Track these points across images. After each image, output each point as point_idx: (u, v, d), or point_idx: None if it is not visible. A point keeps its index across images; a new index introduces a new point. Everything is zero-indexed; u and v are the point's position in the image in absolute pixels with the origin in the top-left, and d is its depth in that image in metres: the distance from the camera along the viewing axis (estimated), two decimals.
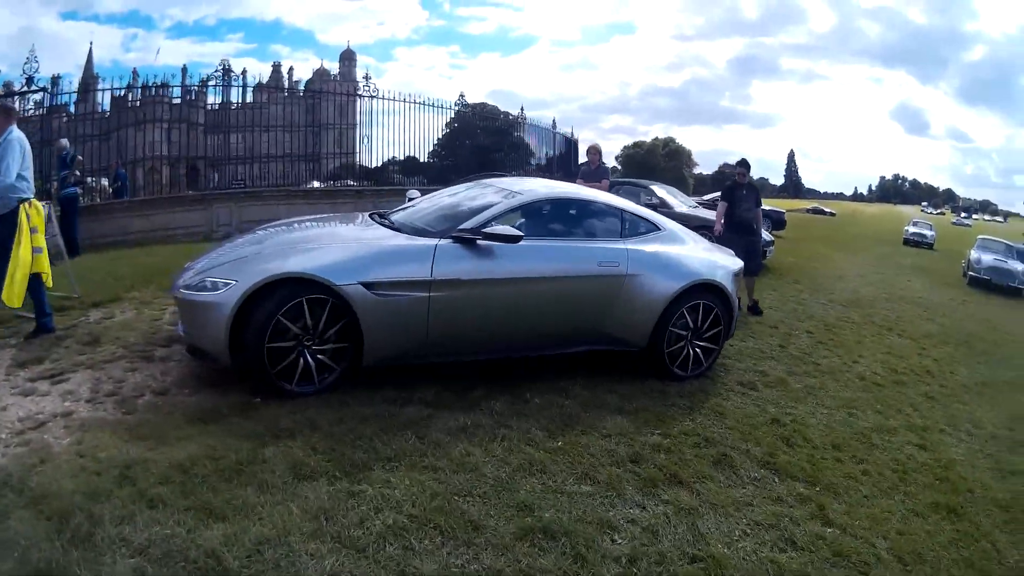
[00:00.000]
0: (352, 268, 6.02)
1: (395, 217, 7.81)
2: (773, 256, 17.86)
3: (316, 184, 27.54)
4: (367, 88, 22.30)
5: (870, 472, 6.13)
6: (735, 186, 12.72)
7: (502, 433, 5.69)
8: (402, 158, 24.44)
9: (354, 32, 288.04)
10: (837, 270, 20.48)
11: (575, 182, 12.17)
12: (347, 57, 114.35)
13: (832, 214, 68.64)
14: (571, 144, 34.27)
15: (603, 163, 13.63)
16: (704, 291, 7.57)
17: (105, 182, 21.32)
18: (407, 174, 25.95)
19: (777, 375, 8.46)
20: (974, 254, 27.33)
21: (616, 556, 4.14)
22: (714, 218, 13.60)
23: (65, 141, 16.45)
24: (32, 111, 17.55)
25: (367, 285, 5.97)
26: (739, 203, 12.46)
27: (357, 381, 6.29)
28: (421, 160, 25.81)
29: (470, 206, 7.37)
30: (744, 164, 13.20)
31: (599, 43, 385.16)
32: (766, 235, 18.19)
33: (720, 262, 8.16)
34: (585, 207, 7.82)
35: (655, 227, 8.00)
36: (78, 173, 15.60)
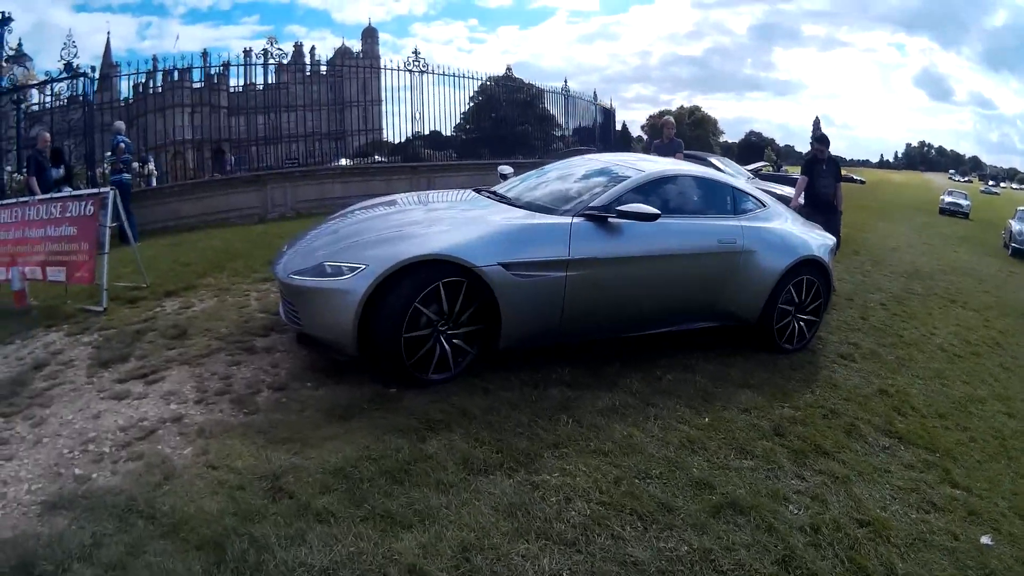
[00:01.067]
0: (491, 248, 5.83)
1: (508, 193, 7.72)
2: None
3: (344, 161, 27.58)
4: (417, 63, 22.12)
5: (976, 439, 6.47)
6: (814, 160, 12.64)
7: (652, 412, 5.77)
8: (426, 133, 23.79)
9: (370, 10, 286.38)
10: (888, 240, 20.52)
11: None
12: (369, 35, 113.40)
13: (862, 182, 68.07)
14: (609, 115, 34.24)
15: (676, 137, 13.65)
16: (807, 266, 7.66)
17: (152, 166, 21.47)
18: (435, 148, 25.76)
19: (868, 347, 8.70)
20: (1016, 225, 27.31)
21: (800, 526, 4.35)
22: (770, 190, 13.85)
23: (121, 124, 16.25)
24: (65, 98, 17.76)
25: (506, 266, 5.80)
26: (818, 178, 12.42)
27: (485, 365, 6.19)
28: (445, 134, 25.48)
29: (586, 183, 7.33)
30: (823, 140, 13.13)
31: (618, 13, 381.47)
32: None
33: (818, 237, 8.27)
34: (699, 184, 7.78)
35: (761, 203, 8.05)
36: (127, 159, 15.49)
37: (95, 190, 9.76)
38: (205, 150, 29.05)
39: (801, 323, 7.87)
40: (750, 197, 8.02)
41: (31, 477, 4.41)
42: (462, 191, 8.43)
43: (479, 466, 4.66)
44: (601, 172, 7.56)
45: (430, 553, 3.69)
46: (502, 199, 7.38)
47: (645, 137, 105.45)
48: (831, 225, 11.52)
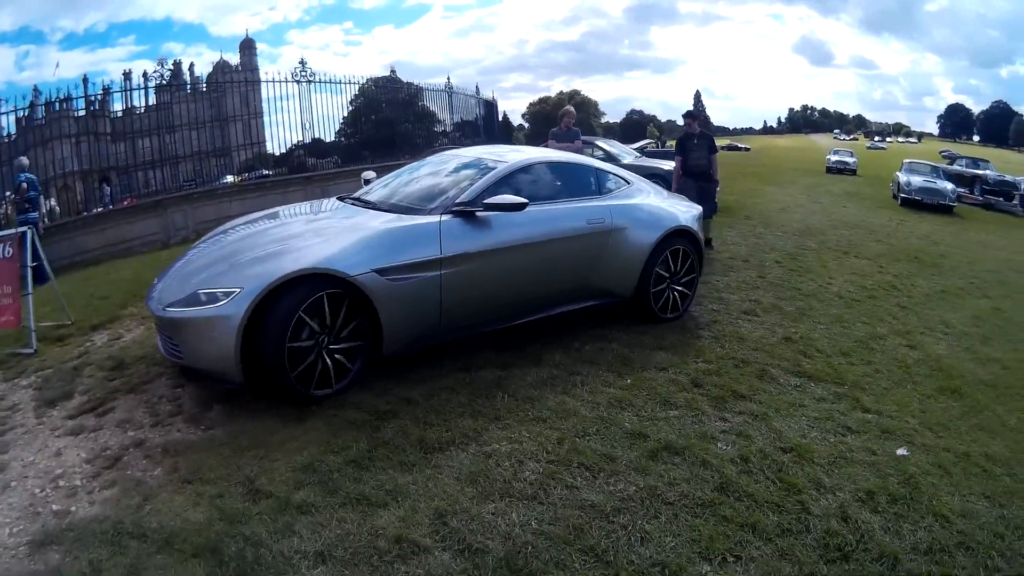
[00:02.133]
0: (363, 256, 5.73)
1: (371, 198, 7.54)
2: (718, 197, 18.57)
3: (230, 178, 27.17)
4: (304, 73, 22.14)
5: (880, 370, 7.18)
6: (687, 136, 13.25)
7: (578, 380, 6.20)
8: (307, 141, 23.58)
9: (246, 21, 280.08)
10: (777, 203, 21.25)
11: (546, 144, 12.81)
12: (246, 46, 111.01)
13: (747, 149, 69.74)
14: (492, 107, 34.62)
15: (574, 126, 13.90)
16: (678, 236, 7.88)
17: (54, 201, 21.19)
18: (318, 156, 25.72)
19: (769, 302, 9.33)
20: (903, 177, 28.31)
21: (730, 458, 4.88)
22: (656, 166, 14.85)
23: (24, 160, 15.77)
24: None
25: (380, 271, 5.72)
26: (691, 151, 13.02)
27: (415, 359, 6.41)
28: (327, 141, 25.30)
29: (451, 179, 7.30)
30: (691, 114, 13.86)
31: (493, 4, 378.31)
32: None
33: (684, 208, 8.55)
34: (562, 169, 7.85)
35: (624, 181, 8.23)
36: (32, 195, 14.84)
37: (11, 231, 9.40)
38: (93, 179, 28.65)
39: (675, 292, 8.06)
40: (612, 176, 8.22)
41: (8, 521, 4.45)
42: (326, 200, 8.39)
43: (434, 445, 5.02)
44: (464, 167, 7.60)
45: (410, 524, 4.05)
46: (367, 205, 7.26)
47: (527, 126, 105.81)
48: (706, 193, 12.33)
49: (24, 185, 14.81)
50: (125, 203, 21.97)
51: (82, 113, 24.14)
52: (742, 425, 5.48)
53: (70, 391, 6.34)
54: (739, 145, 72.64)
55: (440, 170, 7.86)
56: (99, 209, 22.21)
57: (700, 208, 9.03)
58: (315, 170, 22.69)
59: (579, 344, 7.14)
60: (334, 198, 8.09)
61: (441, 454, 4.93)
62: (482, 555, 3.80)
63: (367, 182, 8.88)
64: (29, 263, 8.83)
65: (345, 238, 5.98)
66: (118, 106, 23.53)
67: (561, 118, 13.99)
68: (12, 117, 20.29)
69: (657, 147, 37.15)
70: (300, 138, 23.31)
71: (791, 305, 9.33)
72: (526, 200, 6.49)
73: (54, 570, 3.84)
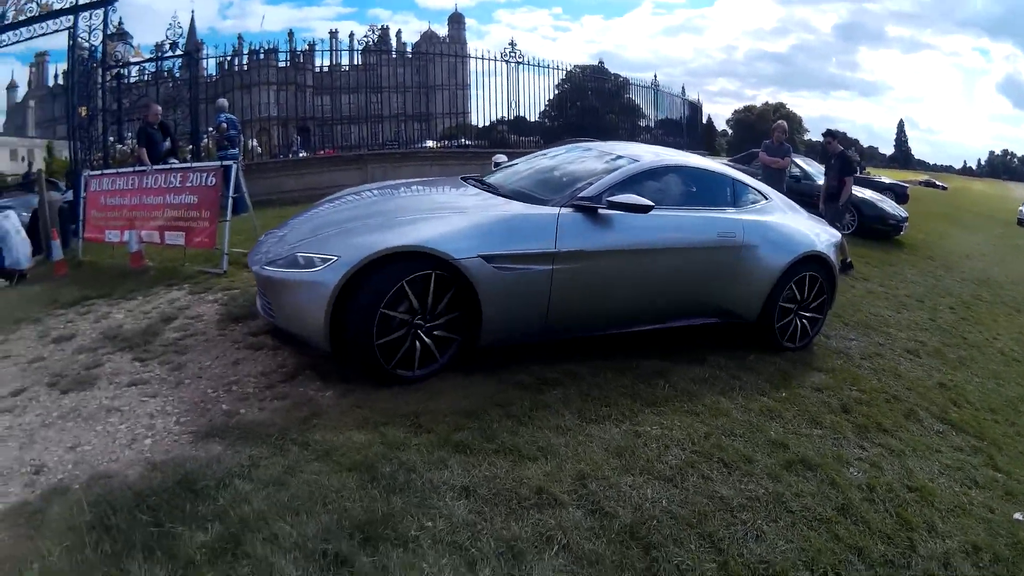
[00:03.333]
0: (471, 240, 5.49)
1: (494, 181, 7.36)
2: (906, 232, 18.33)
3: (430, 143, 27.85)
4: (513, 55, 22.66)
5: (1021, 433, 7.15)
6: (824, 155, 13.34)
7: (737, 384, 6.34)
8: (511, 118, 24.36)
9: None
10: (962, 249, 20.49)
11: (750, 153, 12.97)
12: (455, 20, 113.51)
13: (944, 188, 67.03)
14: (696, 109, 34.37)
15: (785, 142, 13.93)
16: (811, 262, 7.38)
17: (255, 142, 22.18)
18: (519, 134, 25.71)
19: (934, 345, 9.33)
20: None
21: (858, 484, 5.06)
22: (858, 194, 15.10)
23: (224, 101, 16.98)
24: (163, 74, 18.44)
25: (487, 258, 5.47)
26: (826, 172, 13.17)
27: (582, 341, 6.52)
28: (530, 120, 25.55)
29: (580, 171, 7.01)
30: (831, 133, 13.83)
31: (703, 6, 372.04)
32: (901, 211, 18.57)
33: (824, 233, 8.03)
34: (697, 174, 7.49)
35: (762, 196, 7.78)
36: (232, 135, 15.98)
37: (216, 163, 10.47)
38: (291, 127, 29.87)
39: (804, 320, 7.62)
40: (751, 189, 7.75)
41: (178, 411, 4.99)
42: (448, 179, 8.27)
43: (590, 416, 5.29)
44: (596, 161, 7.26)
45: (553, 479, 4.36)
46: (488, 188, 7.05)
47: (730, 132, 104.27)
48: (828, 215, 12.05)
49: (224, 124, 15.85)
50: (322, 154, 22.75)
51: (284, 65, 25.07)
52: (877, 456, 5.63)
53: (255, 312, 6.58)
54: (936, 183, 69.93)
55: (571, 161, 7.64)
56: (304, 154, 23.20)
57: (839, 235, 8.63)
58: (516, 147, 22.65)
59: (744, 352, 7.16)
60: (458, 177, 7.89)
61: (595, 425, 5.18)
62: (611, 519, 4.10)
63: (497, 165, 8.77)
64: (231, 193, 9.74)
65: (456, 220, 5.78)
66: (321, 62, 24.23)
67: (773, 132, 14.05)
68: (214, 62, 21.41)
69: (856, 172, 36.29)
70: (503, 114, 23.82)
71: (953, 353, 9.29)
72: (652, 203, 6.14)
73: (214, 457, 4.29)
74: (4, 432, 4.75)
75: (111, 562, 3.34)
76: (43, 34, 13.43)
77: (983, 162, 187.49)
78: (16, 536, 3.56)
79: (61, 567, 3.30)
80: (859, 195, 17.64)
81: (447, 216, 5.90)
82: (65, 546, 3.42)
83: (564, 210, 6.05)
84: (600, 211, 6.12)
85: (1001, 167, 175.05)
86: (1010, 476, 5.99)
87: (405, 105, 26.38)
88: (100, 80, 14.71)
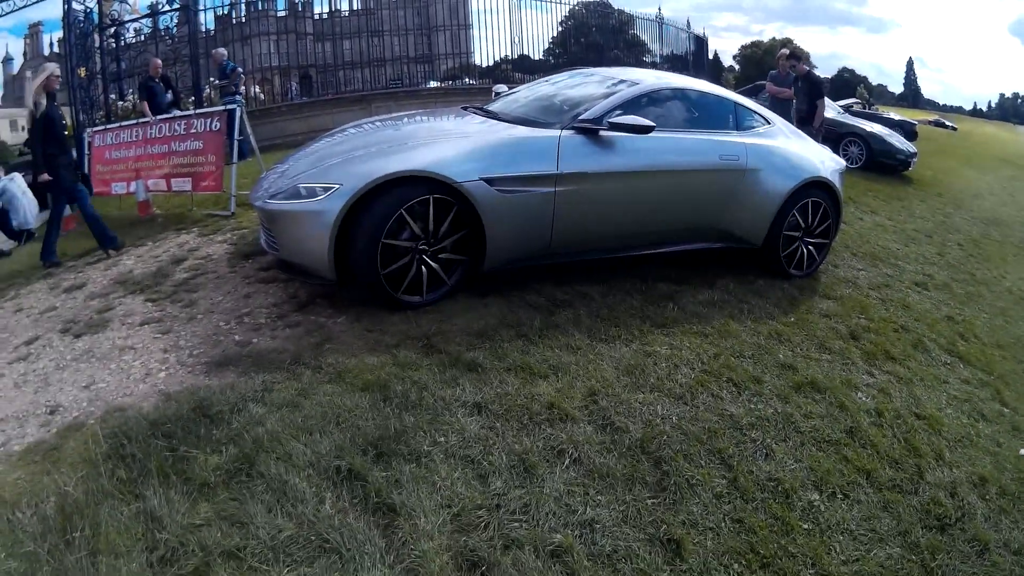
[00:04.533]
0: (473, 163, 5.47)
1: (495, 108, 7.27)
2: (915, 169, 18.15)
3: (433, 84, 27.38)
4: None
5: None
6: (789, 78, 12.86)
7: (745, 308, 6.39)
8: (514, 56, 24.06)
9: None
10: (972, 187, 20.36)
11: (756, 85, 12.81)
12: None
13: (954, 128, 66.25)
14: (702, 43, 34.10)
15: (792, 72, 13.53)
16: (816, 187, 7.31)
17: (257, 89, 22.11)
18: (524, 72, 25.36)
19: (942, 279, 9.31)
20: None
21: (866, 409, 5.13)
22: (857, 125, 15.97)
23: (223, 51, 16.73)
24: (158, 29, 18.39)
25: (490, 181, 5.47)
26: (795, 96, 12.83)
27: (596, 263, 6.53)
28: (534, 58, 25.26)
29: (582, 96, 6.92)
30: (794, 55, 13.53)
31: None
32: (910, 146, 18.39)
33: (828, 159, 7.99)
34: (700, 98, 7.36)
35: (765, 120, 7.65)
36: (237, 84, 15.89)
37: (220, 107, 10.57)
38: (292, 76, 29.79)
39: (810, 247, 7.54)
40: (754, 113, 7.62)
41: (190, 345, 5.06)
42: (449, 109, 8.27)
43: (601, 336, 5.38)
44: (596, 85, 7.18)
45: (564, 395, 4.46)
46: (489, 114, 6.95)
47: (737, 68, 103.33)
48: None
49: (239, 70, 15.87)
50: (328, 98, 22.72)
51: (283, 13, 24.76)
52: (886, 383, 5.66)
53: (264, 250, 6.49)
54: (946, 123, 69.15)
55: (572, 86, 7.58)
56: (304, 99, 23.19)
57: (844, 163, 8.45)
58: (521, 84, 22.21)
59: (753, 276, 7.18)
60: (460, 107, 7.87)
61: (606, 345, 5.26)
62: (621, 433, 4.19)
63: (498, 95, 8.61)
64: (236, 137, 9.81)
65: (457, 144, 5.76)
66: (320, 10, 24.05)
67: (777, 60, 13.96)
68: (212, 14, 21.05)
69: (865, 108, 35.93)
70: (507, 53, 23.57)
71: (961, 288, 9.29)
72: (652, 124, 6.08)
73: (228, 384, 4.38)
74: (19, 378, 4.84)
75: (127, 488, 3.43)
76: (36, 1, 13.33)
77: (993, 105, 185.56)
78: (33, 473, 3.64)
79: (77, 497, 3.37)
80: (868, 128, 17.61)
81: (449, 141, 5.90)
82: (80, 476, 3.51)
83: (565, 132, 6.00)
84: (602, 133, 6.08)
85: (1012, 110, 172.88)
86: (1017, 412, 6.04)
87: (407, 48, 25.98)
88: (98, 41, 14.66)
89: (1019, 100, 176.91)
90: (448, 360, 4.72)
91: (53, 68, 8.34)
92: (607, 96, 6.55)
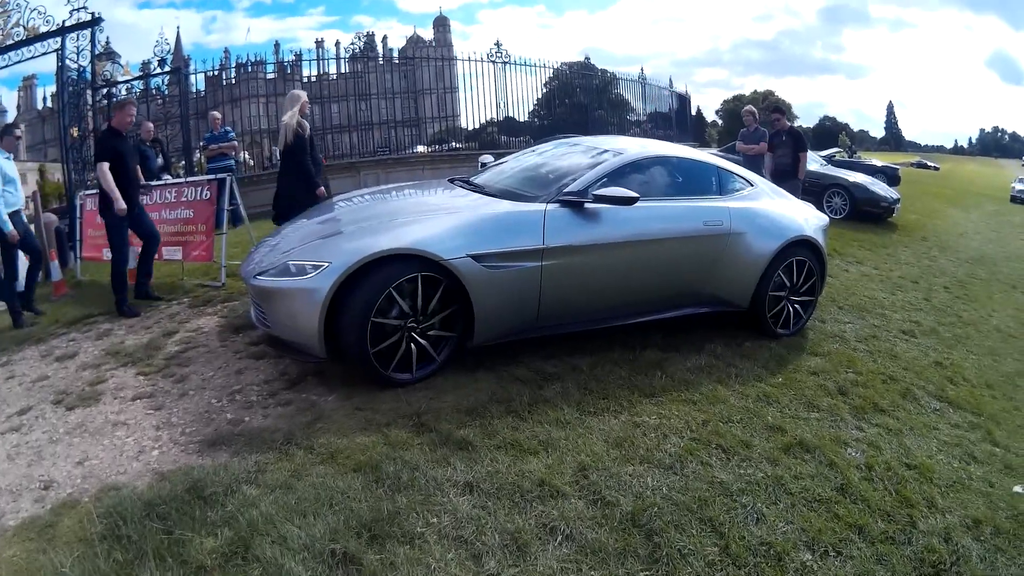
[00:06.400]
0: (460, 240, 5.56)
1: (480, 181, 7.41)
2: (899, 214, 18.34)
3: (421, 148, 27.82)
4: (500, 54, 22.64)
5: (1020, 408, 7.27)
6: (775, 134, 12.92)
7: (733, 371, 6.39)
8: (500, 119, 24.32)
9: None
10: (956, 227, 20.63)
11: (735, 144, 12.97)
12: (440, 23, 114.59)
13: (936, 168, 66.85)
14: (684, 100, 34.45)
15: (760, 127, 13.75)
16: (800, 246, 7.36)
17: (246, 154, 22.27)
18: (510, 135, 25.63)
19: (929, 325, 9.40)
20: None
21: (856, 464, 5.13)
22: (839, 176, 16.23)
23: (218, 114, 17.00)
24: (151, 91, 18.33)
25: (476, 257, 5.53)
26: (776, 149, 12.75)
27: (588, 334, 6.59)
28: (520, 120, 25.42)
29: (566, 167, 7.02)
30: (779, 110, 13.79)
31: None
32: (893, 193, 18.62)
33: (812, 216, 8.05)
34: (683, 164, 7.45)
35: (748, 183, 7.75)
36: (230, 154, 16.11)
37: (211, 176, 10.56)
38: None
39: (796, 306, 7.63)
40: (737, 176, 7.74)
41: (183, 422, 5.11)
42: (436, 181, 8.32)
43: (589, 409, 5.40)
44: (580, 156, 7.29)
45: (554, 471, 4.46)
46: (474, 188, 7.12)
47: (720, 122, 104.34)
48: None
49: (233, 136, 16.21)
50: None
51: (272, 76, 24.73)
52: (875, 437, 5.68)
53: (254, 325, 6.48)
54: (928, 163, 69.91)
55: (557, 156, 7.68)
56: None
57: (827, 219, 8.53)
58: (506, 147, 22.52)
59: (741, 339, 7.24)
60: (446, 179, 7.94)
61: (594, 418, 5.28)
62: (612, 507, 4.18)
63: (484, 165, 8.63)
64: (227, 206, 9.88)
65: (444, 221, 5.84)
66: (309, 72, 24.40)
67: (745, 117, 14.01)
68: (202, 76, 21.29)
69: (848, 156, 36.09)
70: (493, 115, 23.82)
71: (949, 332, 9.37)
72: (637, 194, 6.14)
73: (222, 465, 4.40)
74: (12, 450, 4.86)
75: (123, 570, 3.43)
76: (31, 57, 13.49)
77: (974, 140, 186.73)
78: (29, 551, 3.66)
79: None
80: (851, 179, 17.85)
81: (436, 217, 5.96)
82: (77, 556, 3.53)
83: (551, 206, 6.10)
84: (586, 205, 6.18)
85: (992, 144, 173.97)
86: (1008, 450, 6.06)
87: (395, 111, 26.35)
88: (90, 100, 14.74)
89: (999, 134, 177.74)
90: (439, 439, 4.77)
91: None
92: (592, 167, 6.66)
